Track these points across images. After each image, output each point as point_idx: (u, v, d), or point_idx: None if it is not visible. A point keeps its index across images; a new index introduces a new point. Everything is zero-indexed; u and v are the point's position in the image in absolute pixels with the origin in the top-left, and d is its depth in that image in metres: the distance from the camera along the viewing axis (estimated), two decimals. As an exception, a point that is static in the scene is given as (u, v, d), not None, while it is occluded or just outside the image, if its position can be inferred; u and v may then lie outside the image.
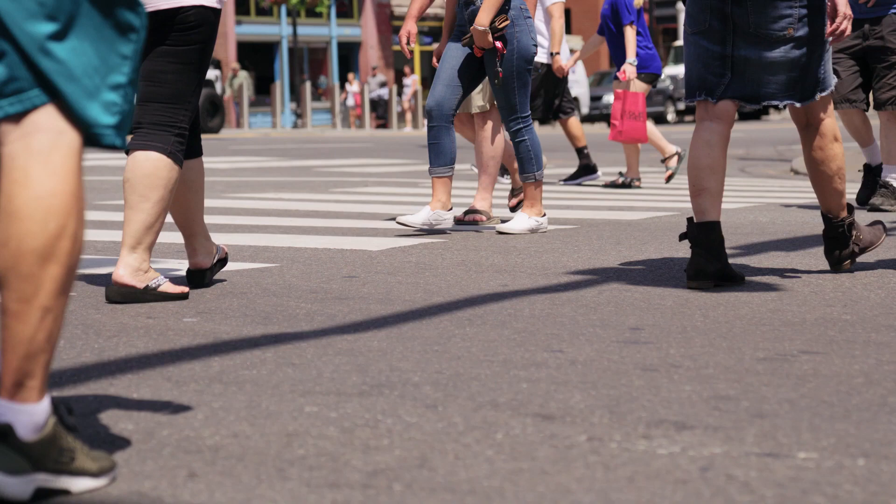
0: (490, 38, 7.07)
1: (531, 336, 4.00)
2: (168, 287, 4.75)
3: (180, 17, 4.79)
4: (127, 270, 4.70)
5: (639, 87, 11.48)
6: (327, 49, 48.20)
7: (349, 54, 49.34)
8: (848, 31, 5.01)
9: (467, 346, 3.83)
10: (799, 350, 3.77)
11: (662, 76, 52.72)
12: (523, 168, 7.37)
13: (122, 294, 4.72)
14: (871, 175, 9.29)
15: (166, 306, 4.61)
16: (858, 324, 4.24)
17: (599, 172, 12.61)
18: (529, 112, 7.32)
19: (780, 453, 2.63)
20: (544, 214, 7.44)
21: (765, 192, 11.49)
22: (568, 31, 54.79)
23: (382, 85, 43.30)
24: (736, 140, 26.35)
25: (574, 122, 12.03)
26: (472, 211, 7.95)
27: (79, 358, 3.63)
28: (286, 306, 4.62)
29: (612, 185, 11.89)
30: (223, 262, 5.27)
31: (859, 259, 5.78)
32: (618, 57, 11.48)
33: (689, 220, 5.07)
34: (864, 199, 9.24)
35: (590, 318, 4.36)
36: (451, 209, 7.30)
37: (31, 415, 2.31)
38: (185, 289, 4.81)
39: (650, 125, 11.85)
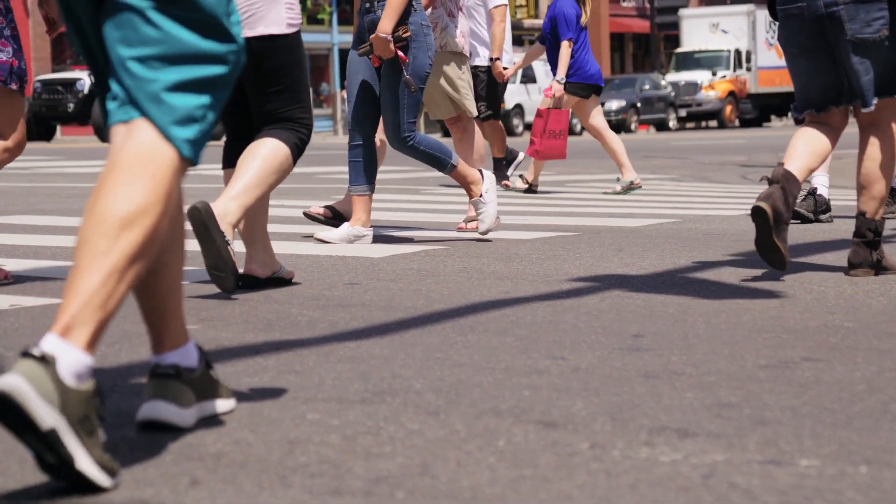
0: (392, 46, 6.70)
1: (533, 343, 4.00)
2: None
3: (265, 45, 5.11)
4: (219, 209, 4.85)
5: (567, 101, 11.44)
6: (329, 56, 48.24)
7: (351, 61, 49.32)
8: None
9: (469, 353, 3.83)
10: (801, 357, 3.77)
11: (663, 82, 51.73)
12: (441, 165, 7.00)
13: (202, 223, 4.77)
14: None
15: (168, 313, 4.60)
16: (860, 331, 4.24)
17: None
18: (412, 121, 6.91)
19: (783, 460, 2.63)
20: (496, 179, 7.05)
21: (766, 198, 11.47)
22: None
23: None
24: (737, 147, 26.37)
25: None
26: (472, 219, 7.93)
27: (81, 365, 3.62)
28: (288, 313, 4.63)
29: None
30: (282, 282, 5.34)
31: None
32: (556, 69, 11.43)
33: (780, 163, 5.31)
34: None
35: (592, 325, 4.36)
36: (370, 227, 7.04)
37: (75, 358, 2.36)
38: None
39: (617, 144, 11.71)
